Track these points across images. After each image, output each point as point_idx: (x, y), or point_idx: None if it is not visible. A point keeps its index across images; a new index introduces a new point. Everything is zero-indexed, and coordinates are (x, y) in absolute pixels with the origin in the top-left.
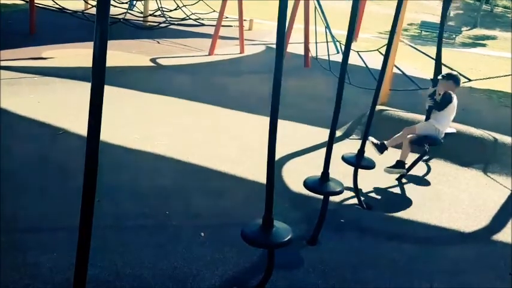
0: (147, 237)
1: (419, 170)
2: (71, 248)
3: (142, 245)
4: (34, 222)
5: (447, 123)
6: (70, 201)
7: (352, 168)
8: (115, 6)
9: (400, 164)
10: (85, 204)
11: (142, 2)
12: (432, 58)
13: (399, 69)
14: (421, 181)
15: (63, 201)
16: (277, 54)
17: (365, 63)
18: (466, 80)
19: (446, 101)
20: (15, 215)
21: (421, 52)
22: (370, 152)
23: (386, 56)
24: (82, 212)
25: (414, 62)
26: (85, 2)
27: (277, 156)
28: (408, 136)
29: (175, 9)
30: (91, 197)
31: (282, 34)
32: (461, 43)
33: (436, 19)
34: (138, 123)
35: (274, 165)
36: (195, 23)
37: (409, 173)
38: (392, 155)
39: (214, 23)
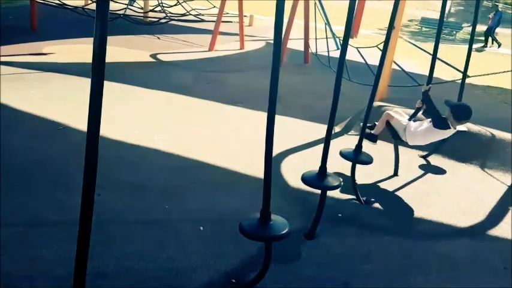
0: (147, 231)
1: (417, 165)
2: (71, 241)
3: (142, 238)
4: (34, 216)
5: (419, 140)
6: (70, 195)
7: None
8: (115, 2)
9: (370, 136)
10: (85, 198)
11: None
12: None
13: (398, 65)
14: (419, 176)
15: (63, 195)
16: (274, 52)
17: (364, 60)
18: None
19: (442, 125)
20: (16, 208)
21: (420, 48)
22: (368, 147)
23: (384, 52)
24: (82, 206)
25: (414, 59)
26: None
27: (277, 151)
28: (386, 119)
29: (176, 4)
30: (91, 191)
31: (280, 31)
32: (461, 39)
33: (437, 15)
34: (138, 118)
35: (271, 160)
36: (195, 18)
37: (407, 168)
38: (391, 151)
39: (215, 18)
